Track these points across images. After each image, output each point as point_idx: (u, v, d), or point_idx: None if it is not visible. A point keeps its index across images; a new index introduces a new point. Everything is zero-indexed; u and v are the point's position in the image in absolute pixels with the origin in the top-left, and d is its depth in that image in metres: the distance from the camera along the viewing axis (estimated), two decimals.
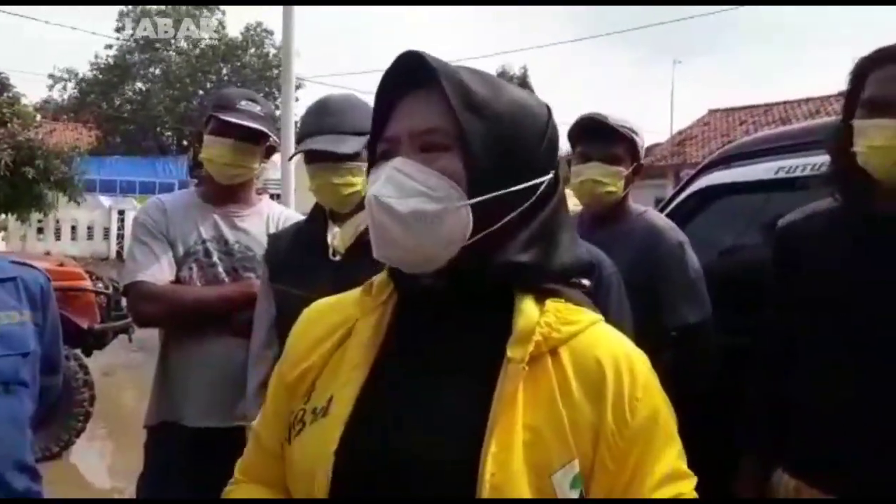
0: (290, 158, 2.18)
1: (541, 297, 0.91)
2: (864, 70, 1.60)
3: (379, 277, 1.00)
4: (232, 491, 1.06)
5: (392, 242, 0.89)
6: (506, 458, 0.80)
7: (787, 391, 1.72)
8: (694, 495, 0.87)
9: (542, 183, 0.93)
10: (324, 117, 1.89)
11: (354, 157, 1.84)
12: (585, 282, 1.00)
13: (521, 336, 0.86)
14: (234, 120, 2.20)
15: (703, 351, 2.10)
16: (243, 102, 2.24)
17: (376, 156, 0.95)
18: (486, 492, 0.79)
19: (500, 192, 0.88)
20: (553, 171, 0.95)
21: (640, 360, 0.90)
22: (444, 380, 0.89)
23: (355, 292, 1.02)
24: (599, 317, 0.94)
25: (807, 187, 1.84)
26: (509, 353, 0.85)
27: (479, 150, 0.88)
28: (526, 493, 0.80)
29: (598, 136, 2.14)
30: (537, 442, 0.82)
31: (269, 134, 2.29)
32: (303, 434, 0.93)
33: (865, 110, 1.57)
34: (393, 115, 0.94)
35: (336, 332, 0.99)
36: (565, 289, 0.94)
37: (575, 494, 0.82)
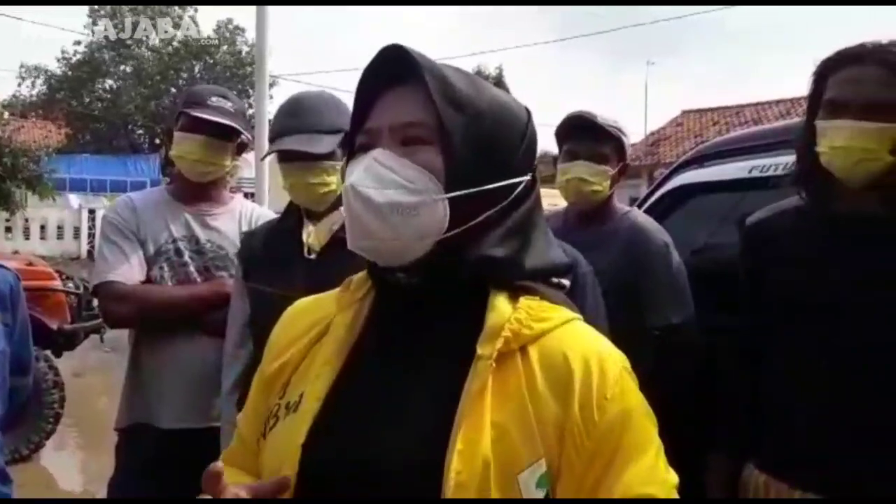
0: (264, 158, 2.14)
1: (515, 294, 0.90)
2: (825, 72, 1.63)
3: (358, 275, 1.00)
4: None
5: (367, 233, 0.88)
6: (472, 456, 0.80)
7: (759, 388, 1.75)
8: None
9: (519, 183, 0.93)
10: (297, 116, 1.87)
11: (329, 155, 1.83)
12: (565, 282, 1.00)
13: (490, 332, 0.86)
14: (204, 116, 2.17)
15: (685, 351, 2.09)
16: (214, 99, 2.22)
17: (355, 147, 0.94)
18: (451, 490, 0.78)
19: (477, 189, 0.89)
20: (531, 173, 0.96)
21: (613, 360, 0.88)
22: (415, 376, 0.89)
23: (336, 291, 1.01)
24: (576, 315, 0.93)
25: (779, 186, 1.86)
26: (479, 349, 0.85)
27: (459, 146, 0.88)
28: (492, 492, 0.79)
29: (585, 134, 2.13)
30: (504, 440, 0.82)
31: (241, 130, 2.26)
32: (275, 429, 0.94)
33: (826, 111, 1.61)
34: (374, 108, 0.93)
35: (313, 329, 0.99)
36: (543, 287, 0.94)
37: (541, 494, 0.81)
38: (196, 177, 2.25)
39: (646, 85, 43.06)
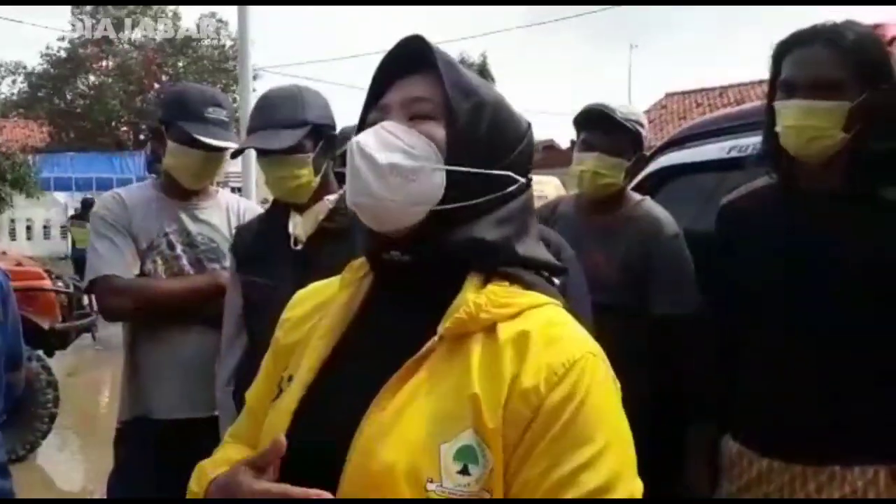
0: (234, 157, 2.17)
1: (489, 279, 0.94)
2: (781, 54, 1.69)
3: (359, 259, 1.05)
4: (217, 451, 1.10)
5: (366, 190, 0.93)
6: (382, 425, 0.85)
7: (730, 362, 1.80)
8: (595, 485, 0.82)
9: (515, 180, 0.98)
10: (262, 113, 1.90)
11: (293, 149, 1.83)
12: (556, 280, 1.03)
13: (447, 315, 0.90)
14: (206, 140, 2.15)
15: (690, 343, 2.03)
16: (210, 110, 2.20)
17: (367, 123, 0.99)
18: (355, 453, 0.85)
19: (474, 171, 0.94)
20: (526, 178, 1.01)
21: (578, 343, 0.89)
22: (389, 353, 0.91)
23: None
24: (550, 300, 0.95)
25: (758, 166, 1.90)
26: (439, 329, 0.89)
27: (462, 124, 0.94)
28: (402, 458, 0.82)
29: (602, 126, 2.14)
30: (429, 412, 0.85)
31: (236, 142, 2.25)
32: (277, 399, 1.00)
33: (781, 92, 1.66)
34: (388, 91, 1.00)
35: (318, 310, 1.06)
36: (526, 273, 0.96)
37: (457, 467, 0.82)
38: (192, 185, 2.27)
39: (629, 68, 42.86)
